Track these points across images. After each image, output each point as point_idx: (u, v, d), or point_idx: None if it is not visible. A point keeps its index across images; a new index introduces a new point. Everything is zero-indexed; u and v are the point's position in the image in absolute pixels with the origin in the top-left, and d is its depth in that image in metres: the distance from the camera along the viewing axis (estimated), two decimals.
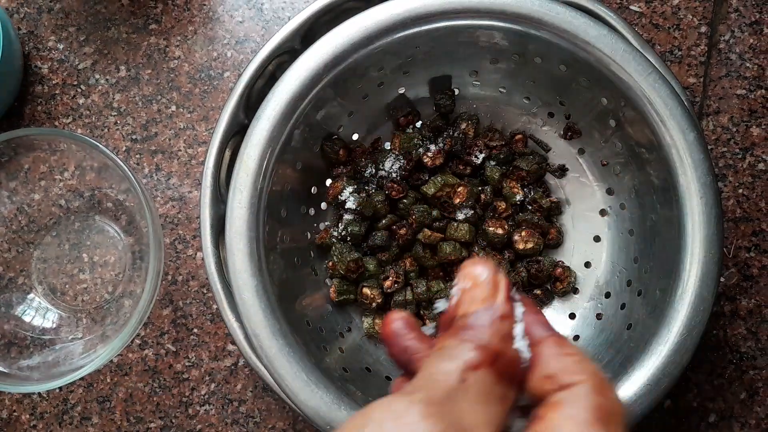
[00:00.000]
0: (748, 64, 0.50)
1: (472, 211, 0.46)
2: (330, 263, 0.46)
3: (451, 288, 0.25)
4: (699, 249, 0.38)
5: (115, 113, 0.51)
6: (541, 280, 0.46)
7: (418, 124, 0.48)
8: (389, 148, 0.48)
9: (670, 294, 0.38)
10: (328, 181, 0.47)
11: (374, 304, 0.45)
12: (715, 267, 0.38)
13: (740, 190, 0.49)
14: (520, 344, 0.23)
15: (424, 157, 0.46)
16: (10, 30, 0.48)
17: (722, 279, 0.49)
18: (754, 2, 0.50)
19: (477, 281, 0.24)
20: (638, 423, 0.38)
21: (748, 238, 0.49)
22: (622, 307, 0.43)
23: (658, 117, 0.39)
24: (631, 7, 0.51)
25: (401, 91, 0.46)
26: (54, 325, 0.49)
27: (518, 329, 0.23)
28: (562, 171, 0.48)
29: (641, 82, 0.39)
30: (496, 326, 0.23)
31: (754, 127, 0.50)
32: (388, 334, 0.26)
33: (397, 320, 0.25)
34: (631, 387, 0.38)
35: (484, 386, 0.21)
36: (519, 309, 0.24)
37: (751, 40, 0.50)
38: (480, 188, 0.47)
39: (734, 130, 0.50)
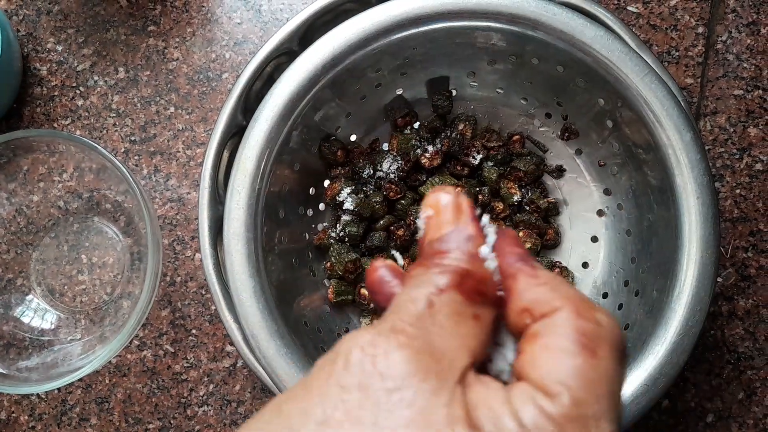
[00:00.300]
0: (745, 65, 0.50)
1: None
2: (328, 264, 0.46)
3: (418, 219, 0.24)
4: (696, 249, 0.38)
5: (114, 115, 0.51)
6: None
7: (416, 125, 0.48)
8: (387, 149, 0.48)
9: (667, 294, 0.38)
10: (326, 182, 0.47)
11: (372, 305, 0.45)
12: (712, 267, 0.38)
13: (738, 191, 0.50)
14: (491, 264, 0.22)
15: (422, 158, 0.47)
16: (9, 32, 0.48)
17: (720, 279, 0.49)
18: (751, 3, 0.50)
19: (439, 207, 0.23)
20: (636, 423, 0.38)
21: (746, 238, 0.49)
22: (620, 307, 0.43)
23: (654, 117, 0.39)
24: (629, 8, 0.51)
25: (399, 92, 0.47)
26: (53, 326, 0.49)
27: (485, 250, 0.23)
28: (559, 172, 0.48)
29: (638, 82, 0.39)
30: (461, 247, 0.22)
31: (752, 127, 0.50)
32: (373, 282, 0.25)
33: (381, 268, 0.24)
34: (628, 387, 0.38)
35: (453, 308, 0.20)
36: (490, 232, 0.23)
37: (749, 41, 0.50)
38: (478, 189, 0.47)
39: (731, 130, 0.50)
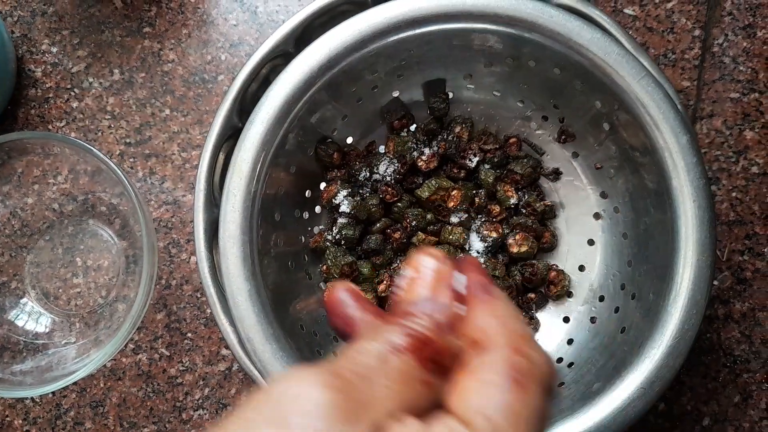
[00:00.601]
0: (741, 68, 0.50)
1: (467, 215, 0.46)
2: (324, 267, 0.46)
3: (399, 278, 0.24)
4: (692, 252, 0.38)
5: (109, 117, 0.51)
6: (535, 283, 0.46)
7: (413, 127, 0.48)
8: (383, 151, 0.48)
9: (664, 297, 0.38)
10: (323, 185, 0.47)
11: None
12: (708, 270, 0.38)
13: (734, 194, 0.50)
14: (461, 311, 0.23)
15: (419, 160, 0.46)
16: (4, 33, 0.48)
17: (716, 282, 0.49)
18: (747, 6, 0.50)
19: (421, 272, 0.23)
20: (632, 426, 0.38)
21: (742, 242, 0.49)
22: (616, 310, 0.43)
23: (651, 120, 0.39)
24: (625, 11, 0.51)
25: (395, 94, 0.46)
26: (47, 330, 0.49)
27: (458, 284, 0.23)
28: (556, 174, 0.48)
29: (634, 85, 0.39)
30: (431, 315, 0.22)
31: (748, 130, 0.50)
32: (331, 302, 0.24)
33: (342, 290, 0.25)
34: (624, 390, 0.38)
35: (403, 370, 0.20)
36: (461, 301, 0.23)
37: (745, 44, 0.50)
38: (474, 192, 0.47)
39: (728, 133, 0.50)
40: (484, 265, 0.46)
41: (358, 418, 0.19)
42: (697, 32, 0.50)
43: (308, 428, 0.18)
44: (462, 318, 0.22)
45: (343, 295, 0.24)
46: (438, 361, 0.21)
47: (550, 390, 0.21)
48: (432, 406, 0.20)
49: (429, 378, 0.21)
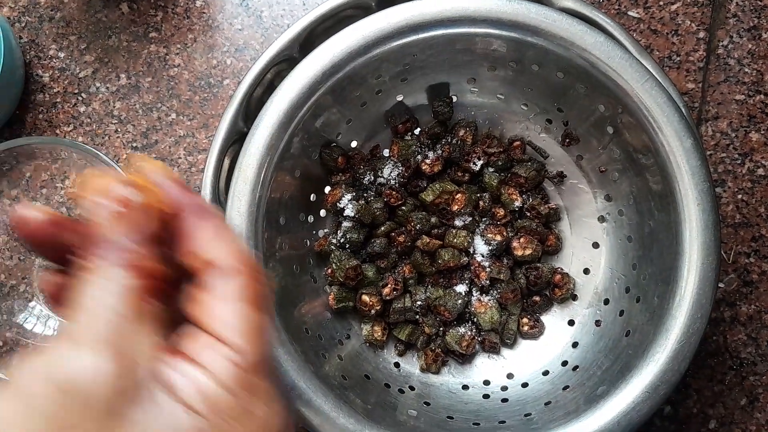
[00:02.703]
0: (746, 70, 0.50)
1: (471, 218, 0.46)
2: (329, 270, 0.46)
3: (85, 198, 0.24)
4: (697, 256, 0.38)
5: (116, 121, 0.52)
6: (540, 286, 0.46)
7: (417, 131, 0.48)
8: (388, 155, 0.48)
9: (668, 301, 0.38)
10: (327, 189, 0.47)
11: (373, 312, 0.45)
12: (712, 274, 0.38)
13: (739, 196, 0.49)
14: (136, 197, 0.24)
15: (423, 164, 0.47)
16: (12, 39, 0.48)
17: (722, 285, 0.49)
18: (752, 7, 0.50)
19: (107, 194, 0.24)
20: (638, 430, 0.38)
21: (748, 244, 0.49)
22: (621, 313, 0.43)
23: (655, 124, 0.39)
24: (630, 13, 0.51)
25: (399, 98, 0.47)
26: (55, 333, 0.49)
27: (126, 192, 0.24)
28: (560, 178, 0.48)
29: (638, 88, 0.39)
30: (127, 248, 0.23)
31: (753, 132, 0.50)
32: (27, 235, 0.25)
33: (35, 222, 0.25)
34: (629, 394, 0.38)
35: (139, 312, 0.22)
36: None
37: (750, 46, 0.50)
38: (478, 195, 0.47)
39: (733, 135, 0.50)
40: (488, 269, 0.46)
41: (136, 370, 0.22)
42: (701, 34, 0.50)
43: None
44: (182, 235, 0.24)
45: (44, 225, 0.25)
46: (160, 288, 0.24)
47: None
48: (172, 318, 0.24)
49: (159, 305, 0.23)
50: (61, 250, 0.25)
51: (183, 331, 0.24)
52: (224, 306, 0.23)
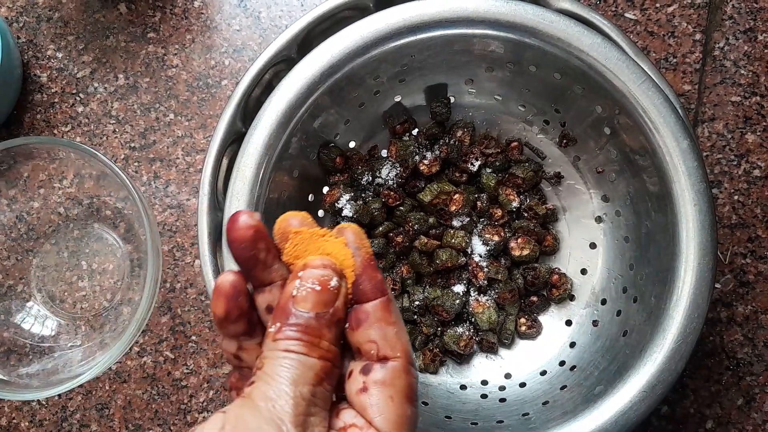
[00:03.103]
0: (742, 71, 0.50)
1: (468, 219, 0.46)
2: None
3: (298, 278, 0.26)
4: (693, 256, 0.38)
5: (114, 121, 0.52)
6: (537, 286, 0.47)
7: (415, 131, 0.48)
8: (386, 155, 0.48)
9: (665, 301, 0.38)
10: (325, 189, 0.47)
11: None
12: (709, 274, 0.38)
13: (736, 197, 0.50)
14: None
15: (421, 164, 0.47)
16: (9, 39, 0.48)
17: (718, 285, 0.49)
18: (748, 10, 0.50)
19: (323, 284, 0.26)
20: (635, 430, 0.38)
21: (744, 245, 0.49)
22: (618, 313, 0.43)
23: (651, 125, 0.39)
24: (626, 15, 0.51)
25: (397, 99, 0.47)
26: (53, 333, 0.49)
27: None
28: (557, 178, 0.48)
29: (635, 90, 0.39)
30: (332, 330, 0.25)
31: (749, 133, 0.50)
32: (235, 240, 0.26)
33: (245, 230, 0.26)
34: (626, 394, 0.38)
35: (324, 398, 0.25)
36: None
37: (746, 47, 0.50)
38: (476, 195, 0.47)
39: (729, 136, 0.50)
40: (486, 269, 0.46)
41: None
42: (698, 36, 0.51)
43: None
44: (360, 315, 0.26)
45: (250, 234, 0.26)
46: (336, 375, 0.26)
47: None
48: (333, 389, 0.26)
49: (331, 392, 0.26)
50: (254, 266, 0.27)
51: (340, 410, 0.26)
52: (380, 394, 0.25)
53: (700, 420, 0.48)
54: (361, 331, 0.26)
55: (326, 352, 0.25)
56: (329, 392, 0.25)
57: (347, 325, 0.26)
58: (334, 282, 0.26)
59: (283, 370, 0.24)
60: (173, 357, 0.50)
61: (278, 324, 0.25)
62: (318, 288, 0.25)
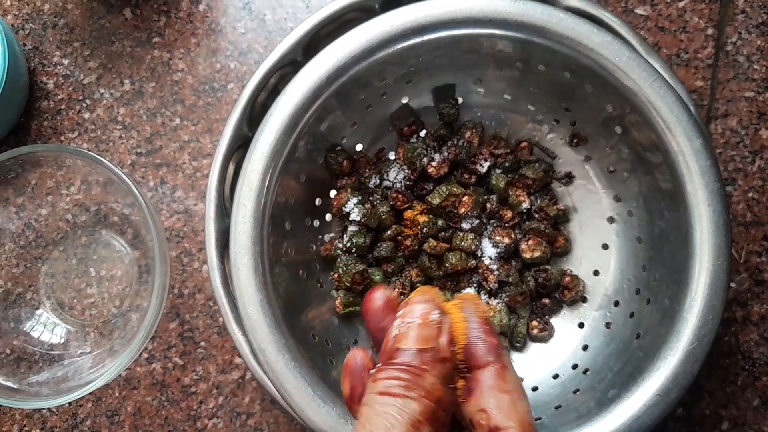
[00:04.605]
0: (756, 66, 0.49)
1: (478, 221, 0.46)
2: (335, 275, 0.46)
3: (397, 319, 0.26)
4: (707, 257, 0.37)
5: (120, 127, 0.51)
6: (549, 289, 0.46)
7: (422, 133, 0.47)
8: (393, 158, 0.47)
9: (679, 302, 0.38)
10: (333, 193, 0.47)
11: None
12: (724, 275, 0.37)
13: (750, 194, 0.49)
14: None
15: (429, 166, 0.46)
16: (16, 46, 0.48)
17: (733, 284, 0.48)
18: (761, 3, 0.50)
19: (423, 317, 0.25)
20: None
21: (759, 243, 0.48)
22: (631, 315, 0.43)
23: (663, 124, 0.38)
24: (636, 11, 0.50)
25: (404, 100, 0.46)
26: (62, 340, 0.49)
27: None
28: (568, 178, 0.47)
29: (646, 88, 0.38)
30: (436, 368, 0.24)
31: (763, 129, 0.49)
32: (368, 311, 0.27)
33: (379, 300, 0.26)
34: (641, 397, 0.37)
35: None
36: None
37: (759, 42, 0.49)
38: (486, 197, 0.47)
39: (743, 133, 0.49)
40: (497, 272, 0.45)
41: None
42: (710, 31, 0.50)
43: None
44: (474, 381, 0.25)
45: (379, 305, 0.27)
46: (446, 421, 0.24)
47: None
48: None
49: None
50: (381, 333, 0.27)
51: None
52: None
53: (715, 421, 0.48)
54: (472, 400, 0.24)
55: (429, 393, 0.23)
56: None
57: (459, 396, 0.25)
58: (434, 315, 0.25)
59: (377, 419, 0.23)
60: (182, 363, 0.49)
61: (379, 364, 0.24)
62: (419, 321, 0.25)
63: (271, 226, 0.40)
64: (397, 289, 0.45)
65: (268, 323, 0.38)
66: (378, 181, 0.47)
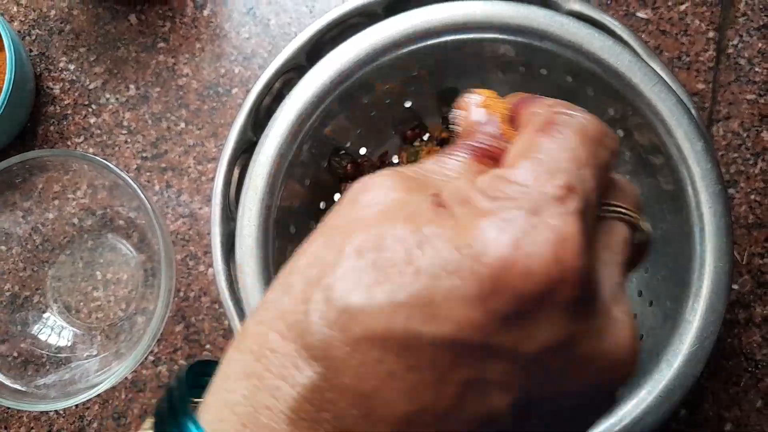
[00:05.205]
0: (757, 69, 0.50)
1: None
2: None
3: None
4: (710, 260, 0.38)
5: (126, 132, 0.52)
6: None
7: (425, 137, 0.48)
8: (396, 161, 0.48)
9: (682, 305, 0.38)
10: (337, 196, 0.47)
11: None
12: (726, 277, 0.37)
13: (752, 196, 0.49)
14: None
15: None
16: (22, 52, 0.48)
17: (736, 286, 0.49)
18: (762, 6, 0.50)
19: (467, 108, 0.24)
20: None
21: (762, 245, 0.49)
22: (633, 317, 0.43)
23: (665, 127, 0.38)
24: (638, 14, 0.50)
25: (408, 104, 0.47)
26: (69, 343, 0.49)
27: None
28: None
29: (647, 92, 0.39)
30: (484, 133, 0.23)
31: (765, 132, 0.49)
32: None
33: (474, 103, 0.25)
34: (642, 399, 0.37)
35: (461, 162, 0.22)
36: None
37: (760, 45, 0.50)
38: None
39: (745, 135, 0.49)
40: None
41: (420, 190, 0.20)
42: (711, 34, 0.50)
43: (377, 200, 0.19)
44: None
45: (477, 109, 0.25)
46: (494, 156, 0.22)
47: (593, 139, 0.20)
48: None
49: (484, 169, 0.21)
50: None
51: None
52: (540, 139, 0.19)
53: (718, 423, 0.48)
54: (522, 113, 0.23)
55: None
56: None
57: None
58: (471, 98, 0.24)
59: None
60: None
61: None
62: (463, 112, 0.24)
63: (276, 230, 0.40)
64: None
65: None
66: None
